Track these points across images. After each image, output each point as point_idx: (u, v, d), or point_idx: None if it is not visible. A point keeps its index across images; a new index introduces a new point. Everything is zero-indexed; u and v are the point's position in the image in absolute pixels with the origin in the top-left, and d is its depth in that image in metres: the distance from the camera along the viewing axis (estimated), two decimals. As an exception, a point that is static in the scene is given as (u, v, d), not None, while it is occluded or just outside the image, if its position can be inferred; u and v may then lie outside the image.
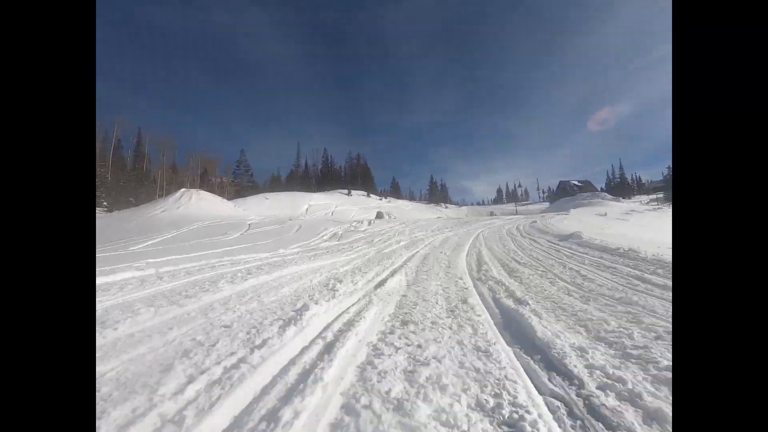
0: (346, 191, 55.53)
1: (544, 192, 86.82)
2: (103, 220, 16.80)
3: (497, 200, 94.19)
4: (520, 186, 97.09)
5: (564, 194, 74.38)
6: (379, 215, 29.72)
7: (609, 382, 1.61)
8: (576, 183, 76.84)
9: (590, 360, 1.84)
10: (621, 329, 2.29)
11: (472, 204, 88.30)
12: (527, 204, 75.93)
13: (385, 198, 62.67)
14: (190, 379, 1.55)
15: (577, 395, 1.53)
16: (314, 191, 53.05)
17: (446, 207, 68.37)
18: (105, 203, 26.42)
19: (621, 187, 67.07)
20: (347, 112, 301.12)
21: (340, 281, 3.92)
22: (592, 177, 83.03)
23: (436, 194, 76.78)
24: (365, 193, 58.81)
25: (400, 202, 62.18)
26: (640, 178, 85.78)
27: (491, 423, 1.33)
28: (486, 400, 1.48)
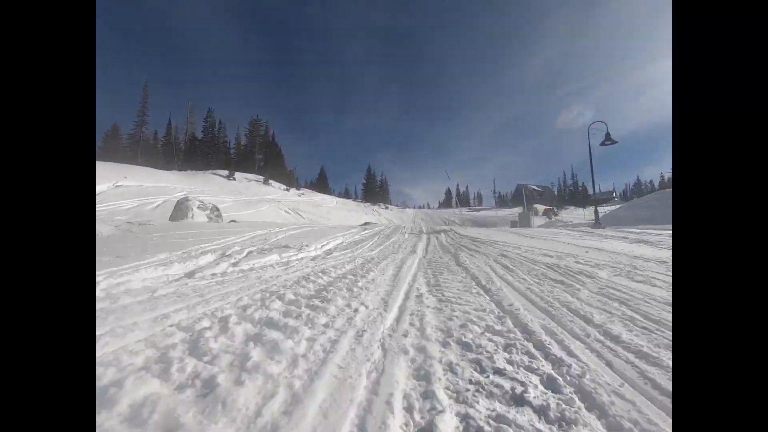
0: (226, 173, 34.27)
1: (501, 196, 75.43)
2: None
3: (445, 204, 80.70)
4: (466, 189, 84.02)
5: (524, 198, 62.91)
6: (181, 208, 10.11)
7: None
8: (536, 187, 66.62)
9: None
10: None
11: (417, 207, 71.94)
12: (482, 209, 62.78)
13: (298, 189, 42.80)
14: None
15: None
16: (177, 168, 30.79)
17: (386, 208, 51.27)
18: None
19: (575, 196, 57.02)
20: (286, 107, 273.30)
21: None
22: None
23: (374, 191, 59.43)
24: (261, 179, 38.09)
25: (322, 197, 43.04)
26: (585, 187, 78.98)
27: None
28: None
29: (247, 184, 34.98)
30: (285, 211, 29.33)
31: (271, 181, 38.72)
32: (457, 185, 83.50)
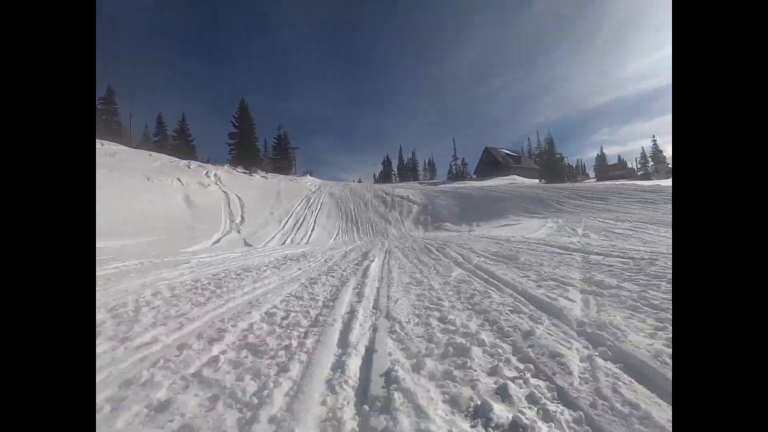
0: None
1: (465, 164, 53.15)
2: None
3: (384, 176, 56.73)
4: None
5: (496, 167, 40.93)
6: None
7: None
8: (509, 152, 45.65)
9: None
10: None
11: (341, 181, 43.96)
12: (440, 183, 39.24)
13: None
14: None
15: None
16: None
17: (248, 173, 25.17)
18: None
19: (554, 170, 36.48)
20: (213, 84, 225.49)
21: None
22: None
23: (252, 149, 32.33)
24: None
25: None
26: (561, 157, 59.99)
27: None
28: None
29: None
30: None
31: None
32: (400, 150, 59.02)
